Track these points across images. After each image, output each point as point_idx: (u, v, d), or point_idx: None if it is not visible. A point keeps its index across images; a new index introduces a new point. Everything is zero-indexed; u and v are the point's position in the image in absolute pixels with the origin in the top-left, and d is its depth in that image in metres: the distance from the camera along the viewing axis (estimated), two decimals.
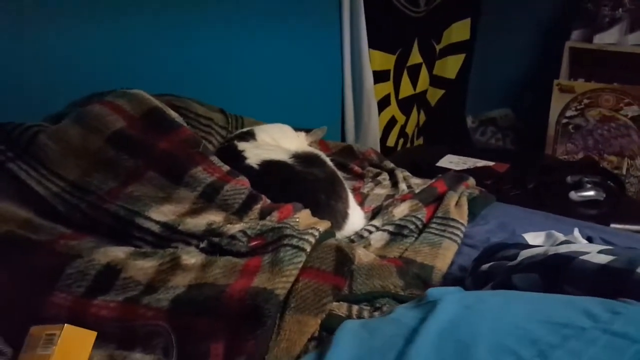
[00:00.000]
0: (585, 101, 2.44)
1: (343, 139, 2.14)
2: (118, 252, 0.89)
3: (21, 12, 1.18)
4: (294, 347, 0.79)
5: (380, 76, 2.18)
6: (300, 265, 0.88)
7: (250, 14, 1.72)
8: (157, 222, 0.96)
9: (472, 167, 2.03)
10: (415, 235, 1.14)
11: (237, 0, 1.68)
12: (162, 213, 0.97)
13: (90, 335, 0.78)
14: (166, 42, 1.48)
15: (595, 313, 0.59)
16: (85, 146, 1.01)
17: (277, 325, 0.81)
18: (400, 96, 2.36)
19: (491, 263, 0.92)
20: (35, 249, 0.89)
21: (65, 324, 0.76)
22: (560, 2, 2.63)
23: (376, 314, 0.88)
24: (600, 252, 0.79)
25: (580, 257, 0.76)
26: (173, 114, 1.14)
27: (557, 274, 0.75)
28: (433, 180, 1.35)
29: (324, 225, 1.00)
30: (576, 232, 1.14)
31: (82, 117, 1.04)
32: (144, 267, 0.88)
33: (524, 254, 0.87)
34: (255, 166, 1.17)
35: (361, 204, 1.28)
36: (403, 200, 1.24)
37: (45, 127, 1.03)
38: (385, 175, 1.46)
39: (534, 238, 1.13)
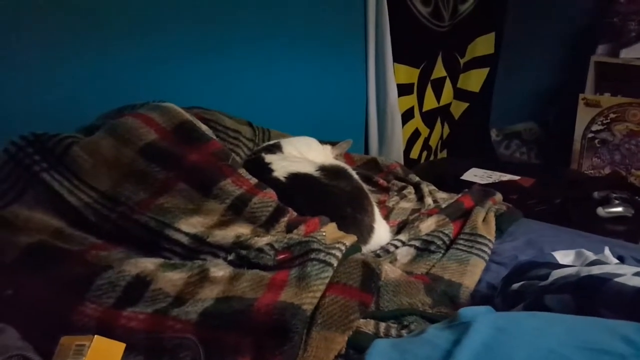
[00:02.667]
0: (612, 115, 2.41)
1: (366, 151, 2.13)
2: (148, 264, 0.90)
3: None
4: None
5: (404, 89, 2.17)
6: (327, 281, 0.88)
7: (278, 30, 1.73)
8: (187, 234, 0.97)
9: (497, 181, 2.01)
10: (443, 251, 1.13)
11: (267, 17, 1.70)
12: (192, 225, 0.98)
13: (119, 347, 0.78)
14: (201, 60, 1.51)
15: (634, 339, 0.58)
16: (117, 158, 1.03)
17: (304, 341, 0.81)
18: (424, 109, 2.35)
19: (522, 282, 0.91)
20: (66, 259, 0.91)
21: (95, 335, 0.76)
22: (586, 17, 2.61)
23: (404, 332, 0.87)
24: (635, 274, 0.77)
25: (615, 280, 0.74)
26: (203, 127, 1.16)
27: (592, 296, 0.73)
28: (459, 195, 1.34)
29: (350, 239, 1.00)
30: (607, 251, 1.12)
31: (114, 129, 1.06)
32: (173, 279, 0.89)
33: (556, 273, 0.86)
34: (282, 179, 1.17)
35: (386, 217, 1.28)
36: (429, 215, 1.23)
37: (79, 138, 1.05)
38: (410, 189, 1.45)
39: (563, 257, 1.11)
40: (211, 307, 0.83)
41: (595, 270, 0.79)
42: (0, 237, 0.94)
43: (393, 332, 0.87)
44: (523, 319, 0.70)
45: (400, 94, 2.13)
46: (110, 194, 1.00)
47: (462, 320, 0.68)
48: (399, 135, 2.13)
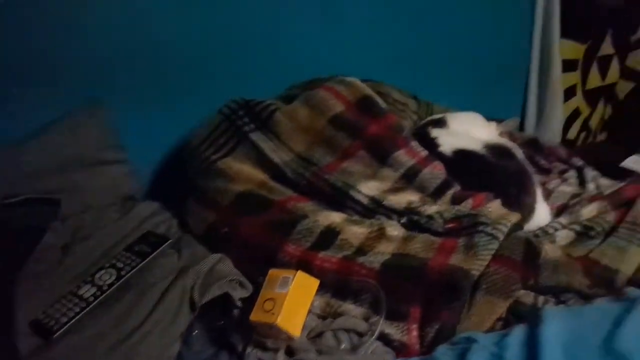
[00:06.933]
0: None
1: (521, 128, 2.13)
2: (335, 217, 1.07)
3: None
4: (483, 323, 0.90)
5: (568, 65, 2.12)
6: (493, 252, 0.97)
7: None
8: (366, 196, 1.12)
9: None
10: (602, 238, 1.15)
11: None
12: (370, 188, 1.13)
13: (315, 282, 0.95)
14: None
15: None
16: (311, 125, 1.20)
17: (469, 302, 0.92)
18: (587, 87, 2.27)
19: None
20: (271, 206, 1.10)
21: (299, 270, 0.94)
22: None
23: (561, 306, 0.95)
24: None
25: None
26: (381, 101, 1.28)
27: None
28: (623, 184, 1.34)
29: (515, 217, 1.07)
30: None
31: (309, 99, 1.23)
32: (357, 232, 1.04)
33: None
34: (449, 154, 1.26)
35: (546, 199, 1.31)
36: (591, 201, 1.25)
37: (280, 105, 1.23)
38: (572, 173, 1.46)
39: None
40: (390, 259, 0.97)
41: None
42: (217, 184, 1.15)
43: (551, 305, 0.94)
44: None
45: (563, 70, 2.08)
46: (305, 155, 1.17)
47: (630, 296, 0.74)
48: (558, 113, 2.09)
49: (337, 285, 0.97)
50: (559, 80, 2.06)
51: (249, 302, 0.94)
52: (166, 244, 1.06)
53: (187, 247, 1.08)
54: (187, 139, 1.25)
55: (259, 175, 1.17)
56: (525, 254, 1.00)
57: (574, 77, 2.19)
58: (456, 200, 1.14)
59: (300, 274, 0.93)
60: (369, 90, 1.27)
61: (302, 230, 1.03)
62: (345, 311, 0.95)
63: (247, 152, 1.19)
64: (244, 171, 1.17)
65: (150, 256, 1.02)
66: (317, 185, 1.14)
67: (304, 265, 0.98)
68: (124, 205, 1.17)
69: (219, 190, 1.15)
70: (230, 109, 1.24)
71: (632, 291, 0.77)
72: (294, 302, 0.91)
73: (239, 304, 0.97)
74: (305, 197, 1.13)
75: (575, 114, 2.25)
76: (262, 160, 1.18)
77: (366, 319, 0.94)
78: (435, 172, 1.18)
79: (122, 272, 0.98)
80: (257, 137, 1.19)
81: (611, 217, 1.20)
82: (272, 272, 0.96)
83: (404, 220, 1.09)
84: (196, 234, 1.14)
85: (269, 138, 1.19)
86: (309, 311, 0.94)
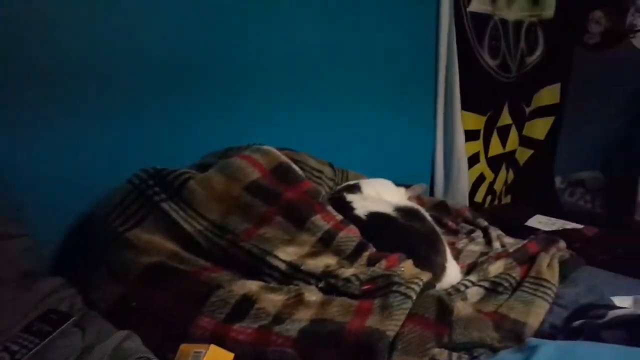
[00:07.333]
0: None
1: (431, 193, 2.24)
2: (252, 285, 1.05)
3: None
4: None
5: (470, 135, 2.29)
6: (407, 311, 0.99)
7: (353, 80, 1.89)
8: (284, 261, 1.11)
9: (560, 228, 2.05)
10: (509, 293, 1.21)
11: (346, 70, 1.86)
12: (288, 253, 1.13)
13: (229, 356, 0.91)
14: None
15: None
16: (226, 192, 1.19)
17: None
18: (490, 154, 2.45)
19: (582, 321, 1.02)
20: (183, 278, 1.06)
21: (211, 344, 0.90)
22: None
23: None
24: None
25: None
26: (297, 168, 1.31)
27: None
28: (526, 241, 1.43)
29: (426, 276, 1.10)
30: None
31: (225, 167, 1.22)
32: (274, 300, 1.03)
33: (612, 313, 0.98)
34: (363, 217, 1.30)
35: (456, 259, 1.37)
36: (498, 258, 1.32)
37: (194, 174, 1.22)
38: (479, 233, 1.55)
39: (621, 301, 1.19)
40: (308, 326, 0.96)
41: None
42: (125, 256, 1.10)
43: None
44: (583, 344, 0.81)
45: (466, 140, 2.24)
46: (220, 223, 1.15)
47: (530, 345, 0.79)
48: (464, 179, 2.23)
49: (253, 358, 0.94)
50: (463, 148, 2.21)
51: None
52: (69, 322, 0.98)
53: (92, 325, 1.01)
54: (93, 210, 1.21)
55: (170, 245, 1.13)
56: (438, 312, 1.02)
57: (477, 146, 2.37)
58: (371, 262, 1.16)
59: (213, 348, 0.90)
60: (284, 158, 1.30)
61: (216, 302, 1.00)
62: None
63: (157, 223, 1.15)
64: (153, 242, 1.13)
65: (51, 336, 0.94)
66: (232, 254, 1.12)
67: (218, 338, 0.95)
68: (23, 282, 1.08)
69: (127, 262, 1.10)
70: (140, 179, 1.21)
71: (531, 341, 0.82)
72: None
73: None
74: (219, 267, 1.11)
75: (480, 179, 2.41)
76: (173, 230, 1.15)
77: None
78: (350, 235, 1.20)
79: (17, 356, 0.89)
80: (168, 206, 1.17)
81: (517, 272, 1.27)
82: (184, 347, 0.92)
83: (321, 284, 1.09)
84: (103, 310, 1.07)
85: (181, 207, 1.17)
86: None
